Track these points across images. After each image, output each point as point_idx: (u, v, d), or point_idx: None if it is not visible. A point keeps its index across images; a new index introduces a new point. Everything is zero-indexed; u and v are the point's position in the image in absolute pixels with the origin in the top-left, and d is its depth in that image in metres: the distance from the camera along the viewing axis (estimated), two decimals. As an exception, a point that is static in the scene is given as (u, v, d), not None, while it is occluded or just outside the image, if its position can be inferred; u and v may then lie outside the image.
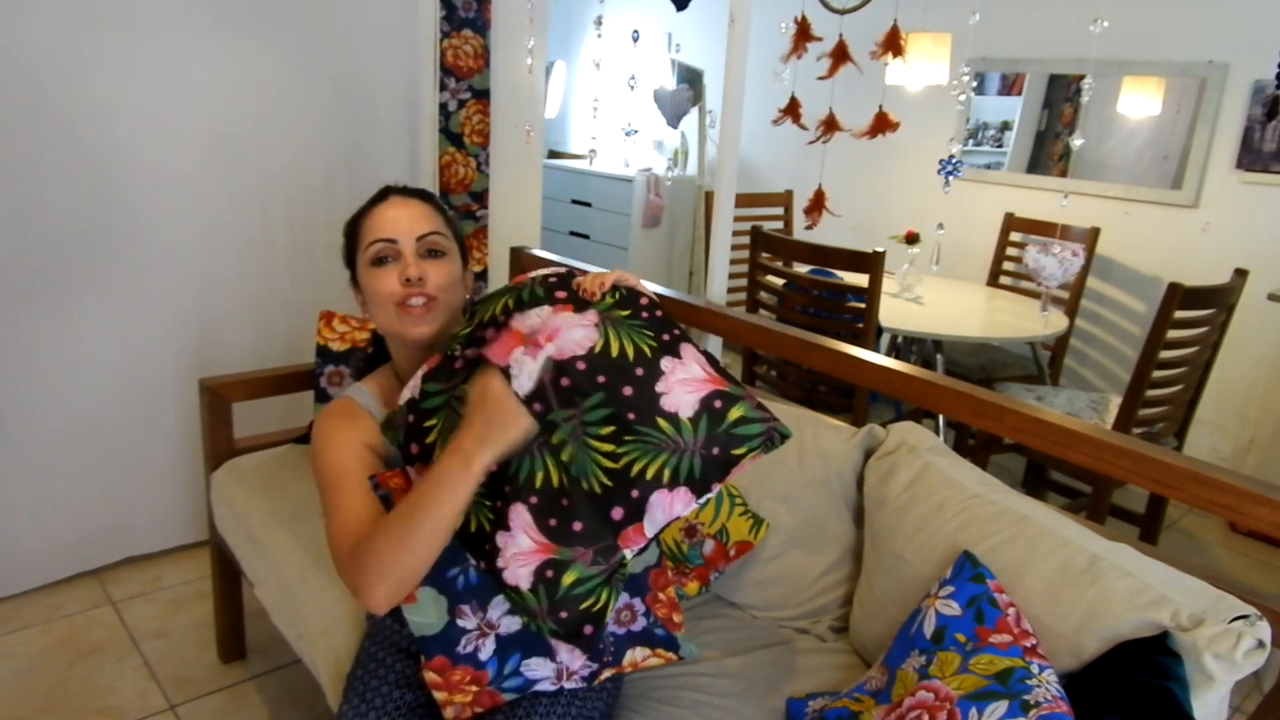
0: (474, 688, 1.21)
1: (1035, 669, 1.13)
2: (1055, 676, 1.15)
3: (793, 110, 2.61)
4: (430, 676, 1.21)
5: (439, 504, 1.13)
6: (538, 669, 1.23)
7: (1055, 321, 3.14)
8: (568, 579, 1.10)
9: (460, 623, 1.22)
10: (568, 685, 1.26)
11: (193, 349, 2.50)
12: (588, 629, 1.12)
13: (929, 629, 1.25)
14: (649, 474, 1.09)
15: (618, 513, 1.10)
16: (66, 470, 2.36)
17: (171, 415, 2.49)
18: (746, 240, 3.08)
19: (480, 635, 1.20)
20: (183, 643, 2.23)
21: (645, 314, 1.21)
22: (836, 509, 1.67)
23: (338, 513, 1.26)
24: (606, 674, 1.29)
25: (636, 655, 1.31)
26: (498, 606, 1.22)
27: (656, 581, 1.34)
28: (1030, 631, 1.22)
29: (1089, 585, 1.25)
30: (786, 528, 1.67)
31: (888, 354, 2.94)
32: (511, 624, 1.20)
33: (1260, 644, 1.14)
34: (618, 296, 1.23)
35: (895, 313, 3.02)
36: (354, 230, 1.40)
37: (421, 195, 1.42)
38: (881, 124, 2.50)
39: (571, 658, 1.24)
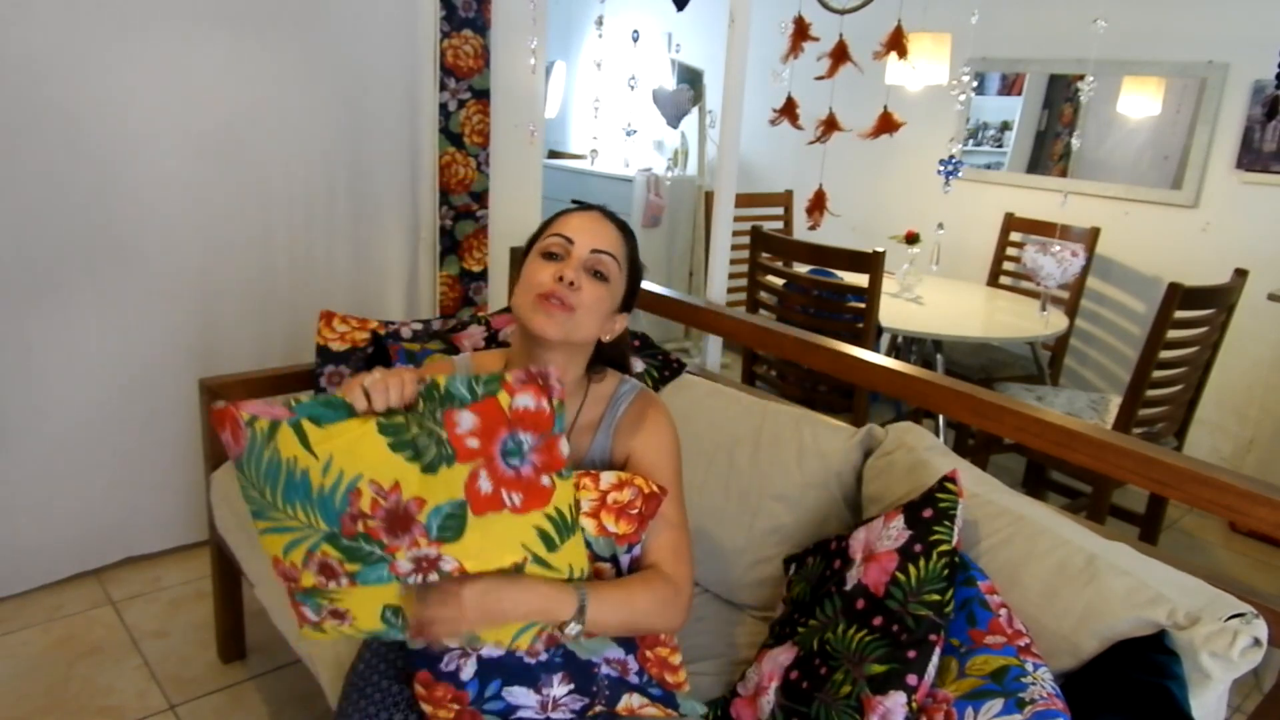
0: (456, 706, 1.21)
1: (1030, 667, 1.14)
2: (1050, 675, 1.15)
3: (789, 110, 2.60)
4: (418, 689, 1.21)
5: None
6: (520, 698, 1.22)
7: (1055, 321, 3.14)
8: None
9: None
10: (554, 715, 1.24)
11: (193, 349, 2.50)
12: None
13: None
14: None
15: None
16: (66, 470, 2.36)
17: (171, 415, 2.49)
18: (746, 240, 3.08)
19: (462, 655, 1.19)
20: (183, 643, 2.24)
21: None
22: (836, 509, 1.66)
23: None
24: (599, 709, 1.26)
25: (633, 701, 1.28)
26: None
27: (644, 639, 1.30)
28: (1023, 631, 1.22)
29: (1086, 584, 1.25)
30: (786, 527, 1.67)
31: (888, 354, 2.94)
32: (494, 648, 1.19)
33: (1256, 642, 1.14)
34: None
35: (895, 313, 3.02)
36: (546, 222, 1.39)
37: (619, 224, 1.39)
38: (886, 124, 2.49)
39: (557, 689, 1.22)
